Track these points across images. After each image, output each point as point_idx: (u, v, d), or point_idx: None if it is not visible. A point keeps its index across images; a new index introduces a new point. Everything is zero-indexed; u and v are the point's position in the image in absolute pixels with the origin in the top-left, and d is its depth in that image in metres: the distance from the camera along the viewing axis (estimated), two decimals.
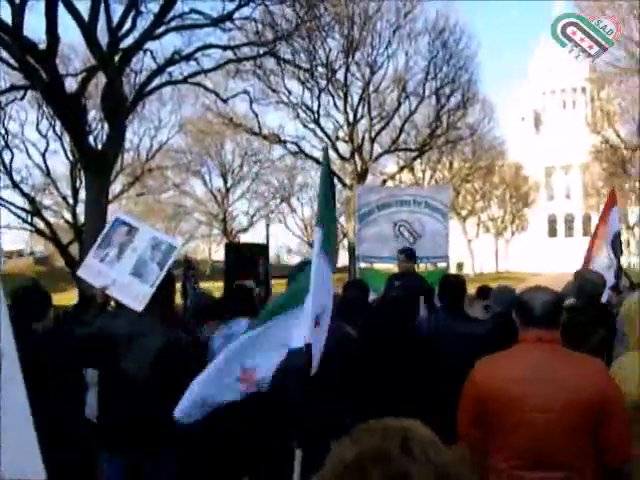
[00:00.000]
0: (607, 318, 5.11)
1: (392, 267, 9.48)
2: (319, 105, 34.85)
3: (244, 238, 53.22)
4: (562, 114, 78.78)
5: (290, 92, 34.51)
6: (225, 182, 53.15)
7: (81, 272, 4.85)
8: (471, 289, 6.90)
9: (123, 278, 4.53)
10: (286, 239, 61.24)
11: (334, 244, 3.87)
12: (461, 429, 3.18)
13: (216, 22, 22.02)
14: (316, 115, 35.07)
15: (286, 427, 3.56)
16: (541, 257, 62.24)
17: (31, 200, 31.63)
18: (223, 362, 3.64)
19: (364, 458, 1.23)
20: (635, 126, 37.52)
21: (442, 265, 10.22)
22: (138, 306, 4.36)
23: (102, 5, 17.60)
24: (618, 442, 2.88)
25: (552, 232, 76.69)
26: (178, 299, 9.25)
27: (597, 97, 46.76)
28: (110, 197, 29.71)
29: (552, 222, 77.39)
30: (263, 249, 11.86)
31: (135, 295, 4.42)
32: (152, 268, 4.50)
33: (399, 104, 36.22)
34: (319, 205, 3.77)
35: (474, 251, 58.78)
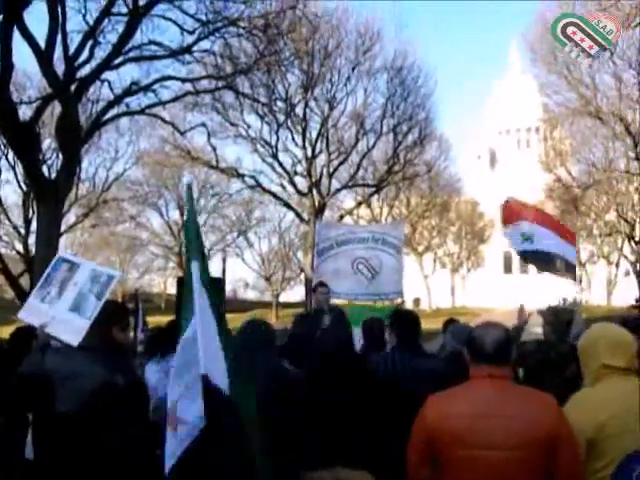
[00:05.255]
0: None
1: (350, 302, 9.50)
2: (277, 140, 35.02)
3: None
4: (516, 153, 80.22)
5: (249, 126, 34.66)
6: (182, 215, 52.73)
7: (21, 314, 4.73)
8: (429, 324, 6.84)
9: (62, 315, 4.39)
10: (243, 273, 60.68)
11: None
12: (411, 467, 3.10)
13: (175, 54, 21.99)
14: (274, 149, 35.17)
15: None
16: (497, 293, 62.77)
17: None
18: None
19: None
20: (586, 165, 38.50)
21: (398, 300, 10.18)
22: (75, 341, 4.18)
23: (59, 33, 17.42)
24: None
25: (507, 268, 77.45)
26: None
27: (550, 137, 47.77)
28: (64, 228, 29.31)
29: (507, 258, 78.22)
30: (216, 283, 11.66)
31: (74, 330, 4.26)
32: (91, 301, 4.37)
33: (357, 140, 36.50)
34: (191, 237, 3.65)
35: (430, 287, 59.03)
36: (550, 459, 2.80)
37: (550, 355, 4.90)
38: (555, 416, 2.91)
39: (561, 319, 5.46)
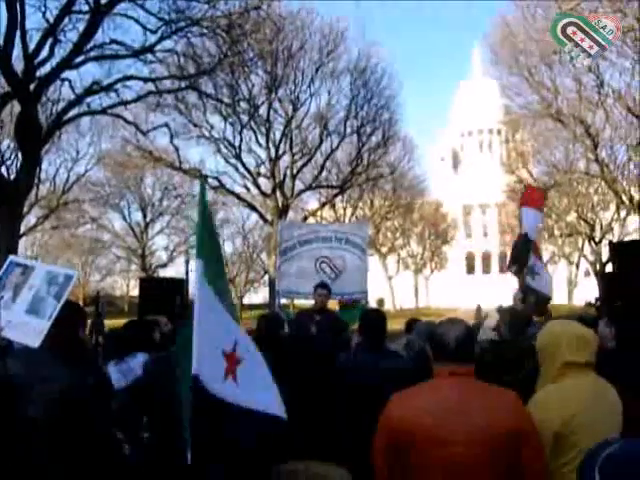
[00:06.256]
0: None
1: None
2: (241, 140, 34.92)
3: (163, 273, 52.22)
4: (479, 154, 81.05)
5: (212, 127, 34.49)
6: (144, 216, 52.29)
7: None
8: (393, 325, 6.83)
9: (18, 318, 4.23)
10: None
11: (222, 273, 3.56)
12: (376, 465, 3.07)
13: (137, 54, 21.76)
14: (238, 150, 35.05)
15: None
16: (459, 293, 63.25)
17: None
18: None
19: None
20: (547, 167, 39.01)
21: (362, 301, 10.14)
22: (35, 342, 4.02)
23: (18, 31, 17.11)
24: (535, 476, 2.85)
25: (470, 269, 78.20)
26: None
27: (512, 139, 48.35)
28: (24, 229, 28.84)
29: (470, 259, 78.97)
30: (179, 284, 11.58)
31: (32, 332, 4.11)
32: (49, 302, 4.22)
33: (321, 141, 36.56)
34: (198, 237, 3.52)
35: (394, 287, 59.29)
36: (513, 455, 2.80)
37: (504, 355, 4.90)
38: (518, 412, 2.91)
39: (519, 318, 5.49)
